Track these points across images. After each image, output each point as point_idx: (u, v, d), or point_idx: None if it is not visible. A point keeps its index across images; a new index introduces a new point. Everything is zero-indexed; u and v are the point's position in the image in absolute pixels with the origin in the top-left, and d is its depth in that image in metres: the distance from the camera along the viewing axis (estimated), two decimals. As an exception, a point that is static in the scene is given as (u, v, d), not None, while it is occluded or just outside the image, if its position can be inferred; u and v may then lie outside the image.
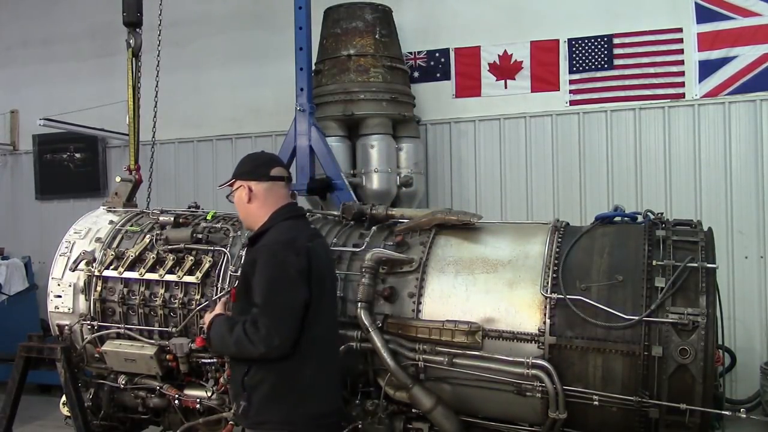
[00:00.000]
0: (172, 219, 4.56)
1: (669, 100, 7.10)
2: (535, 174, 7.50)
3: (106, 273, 4.42)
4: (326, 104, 7.01)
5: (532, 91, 7.56)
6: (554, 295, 3.60)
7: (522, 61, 7.58)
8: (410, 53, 7.87)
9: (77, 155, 9.38)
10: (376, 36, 7.07)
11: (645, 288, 3.51)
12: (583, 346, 3.53)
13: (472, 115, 7.76)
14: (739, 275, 6.75)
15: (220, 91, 8.62)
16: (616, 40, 7.26)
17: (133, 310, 4.38)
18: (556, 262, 3.71)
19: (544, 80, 7.52)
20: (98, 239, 4.65)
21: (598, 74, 7.32)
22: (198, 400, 4.18)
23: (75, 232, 4.77)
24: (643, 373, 3.43)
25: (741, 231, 6.80)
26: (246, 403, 3.09)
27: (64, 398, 4.48)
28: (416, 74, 7.89)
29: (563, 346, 3.56)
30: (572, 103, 7.43)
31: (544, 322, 3.60)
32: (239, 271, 3.43)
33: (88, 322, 4.46)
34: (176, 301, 4.26)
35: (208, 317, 3.35)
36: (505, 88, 7.66)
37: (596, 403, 3.48)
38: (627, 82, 7.23)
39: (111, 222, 4.78)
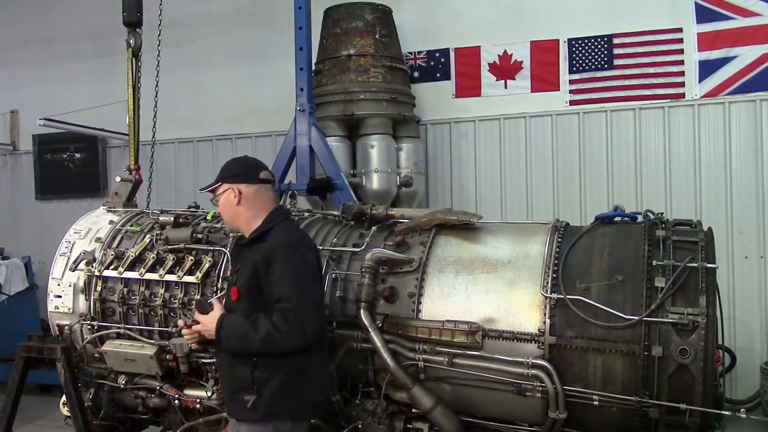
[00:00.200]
0: (172, 219, 4.56)
1: (669, 100, 7.10)
2: (535, 174, 7.50)
3: (106, 273, 4.41)
4: (326, 104, 7.01)
5: (532, 91, 7.56)
6: (554, 295, 3.60)
7: (522, 61, 7.58)
8: (410, 53, 7.87)
9: (77, 155, 9.38)
10: (376, 36, 7.07)
11: (645, 288, 3.51)
12: (583, 346, 3.53)
13: (472, 115, 7.76)
14: (739, 275, 6.75)
15: (220, 91, 8.62)
16: (616, 40, 7.26)
17: (133, 310, 4.38)
18: (556, 262, 3.71)
19: (544, 80, 7.51)
20: (98, 239, 4.65)
21: (598, 74, 7.32)
22: (198, 400, 4.16)
23: (75, 232, 4.76)
24: (643, 373, 3.43)
25: (741, 231, 6.80)
26: (255, 396, 3.18)
27: (64, 398, 4.48)
28: (416, 74, 7.89)
29: (563, 346, 3.56)
30: (572, 103, 7.43)
31: (544, 322, 3.60)
32: (240, 270, 3.43)
33: (88, 322, 4.45)
34: (176, 301, 4.25)
35: (205, 318, 3.34)
36: (505, 88, 7.66)
37: (596, 403, 3.48)
38: (627, 82, 7.23)
39: (111, 222, 4.78)
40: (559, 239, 3.84)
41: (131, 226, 4.70)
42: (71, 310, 4.53)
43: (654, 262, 3.57)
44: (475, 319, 3.70)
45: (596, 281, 3.61)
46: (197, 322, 3.41)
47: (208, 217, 4.62)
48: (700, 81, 6.99)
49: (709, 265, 3.51)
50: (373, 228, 4.29)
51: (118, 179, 5.34)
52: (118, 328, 4.39)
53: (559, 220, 4.06)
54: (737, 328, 6.63)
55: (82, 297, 4.51)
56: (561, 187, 7.40)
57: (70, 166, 9.41)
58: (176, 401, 4.23)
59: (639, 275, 3.56)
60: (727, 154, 6.88)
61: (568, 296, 3.57)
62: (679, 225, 3.90)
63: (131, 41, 5.46)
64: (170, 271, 4.26)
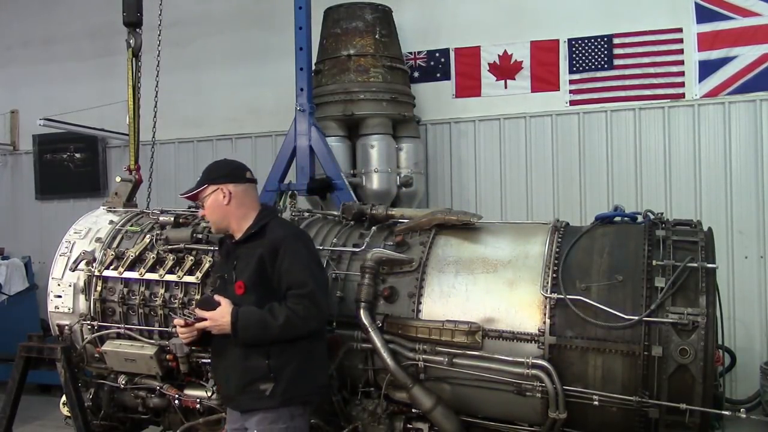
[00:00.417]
0: (172, 219, 4.56)
1: (669, 100, 7.10)
2: (535, 174, 7.50)
3: (106, 273, 4.41)
4: (326, 104, 7.01)
5: (532, 91, 7.56)
6: (554, 295, 3.60)
7: (522, 61, 7.58)
8: (410, 53, 7.87)
9: (77, 155, 9.38)
10: (376, 36, 7.07)
11: (645, 288, 3.50)
12: (583, 346, 3.53)
13: (472, 115, 7.76)
14: (739, 275, 6.75)
15: (220, 91, 8.62)
16: (616, 40, 7.26)
17: (133, 310, 4.38)
18: (556, 262, 3.71)
19: (544, 80, 7.52)
20: (98, 239, 4.65)
21: (598, 74, 7.32)
22: (198, 400, 4.17)
23: (75, 232, 4.76)
24: (643, 373, 3.43)
25: (741, 231, 6.80)
26: (273, 384, 3.30)
27: (64, 398, 4.48)
28: (416, 74, 7.89)
29: (563, 346, 3.56)
30: (572, 103, 7.43)
31: (544, 322, 3.60)
32: (239, 266, 3.44)
33: (88, 322, 4.45)
34: (176, 301, 4.25)
35: (215, 313, 3.32)
36: (505, 88, 7.66)
37: (596, 403, 3.48)
38: (627, 82, 7.23)
39: (111, 222, 4.78)
40: (559, 239, 3.84)
41: (131, 226, 4.70)
42: (71, 310, 4.53)
43: (654, 262, 3.57)
44: (475, 319, 3.70)
45: (596, 281, 3.61)
46: (200, 320, 3.39)
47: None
48: (700, 81, 6.99)
49: (709, 265, 3.51)
50: (373, 228, 4.29)
51: (118, 179, 5.34)
52: (118, 328, 4.39)
53: (559, 220, 4.05)
54: (737, 328, 6.63)
55: (82, 297, 4.51)
56: (561, 187, 7.40)
57: (70, 166, 9.42)
58: (176, 401, 4.24)
59: (639, 275, 3.56)
60: (727, 154, 6.88)
61: (568, 296, 3.57)
62: (679, 225, 3.90)
63: (131, 41, 5.46)
64: (170, 271, 4.26)
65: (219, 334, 3.38)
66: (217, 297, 3.41)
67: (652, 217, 3.93)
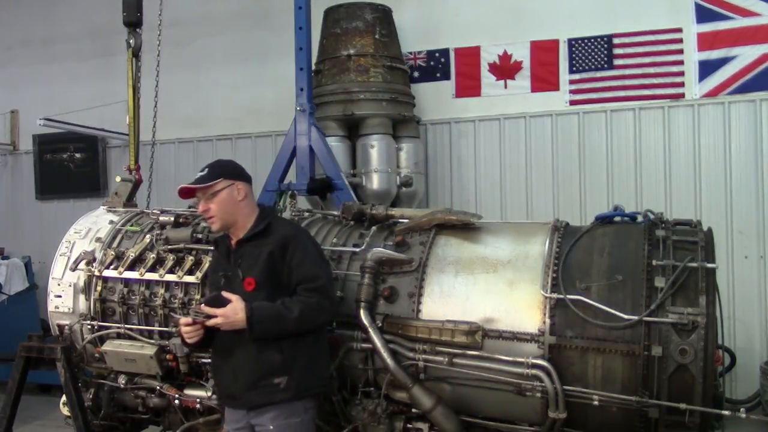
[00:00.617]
0: (172, 219, 4.56)
1: (669, 100, 7.10)
2: (535, 174, 7.50)
3: (106, 273, 4.42)
4: (326, 104, 7.01)
5: (532, 91, 7.57)
6: (554, 295, 3.60)
7: (522, 61, 7.58)
8: (410, 53, 7.87)
9: (77, 155, 9.39)
10: (376, 36, 7.07)
11: (645, 288, 3.50)
12: (583, 346, 3.53)
13: (472, 115, 7.76)
14: (739, 275, 6.75)
15: (220, 91, 8.63)
16: (616, 40, 7.26)
17: (133, 310, 4.38)
18: (556, 262, 3.71)
19: (544, 80, 7.52)
20: (98, 239, 4.65)
21: (598, 74, 7.32)
22: (198, 400, 4.18)
23: (75, 232, 4.76)
24: (643, 373, 3.43)
25: (741, 231, 6.80)
26: (287, 377, 3.36)
27: (64, 398, 4.48)
28: (416, 74, 7.89)
29: (563, 346, 3.56)
30: (572, 103, 7.43)
31: (544, 322, 3.60)
32: (244, 264, 3.44)
33: (88, 322, 4.46)
34: (176, 300, 4.26)
35: (227, 310, 3.27)
36: (505, 88, 7.66)
37: (596, 403, 3.48)
38: (627, 82, 7.23)
39: (111, 222, 4.78)
40: (559, 239, 3.84)
41: (131, 226, 4.70)
42: (71, 310, 4.53)
43: (654, 262, 3.56)
44: (475, 319, 3.70)
45: (596, 281, 3.61)
46: (209, 317, 3.31)
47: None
48: (700, 81, 7.00)
49: (708, 265, 3.51)
50: (373, 228, 4.29)
51: (118, 179, 5.34)
52: (118, 328, 4.39)
53: (559, 220, 4.05)
54: (737, 328, 6.63)
55: (82, 297, 4.51)
56: (561, 187, 7.40)
57: (70, 166, 9.42)
58: (176, 401, 4.24)
59: (639, 275, 3.56)
60: (727, 154, 6.88)
61: (568, 296, 3.57)
62: (679, 225, 3.89)
63: (131, 41, 5.46)
64: (170, 271, 4.26)
65: (225, 332, 3.33)
66: (226, 294, 3.38)
67: (652, 217, 3.92)
